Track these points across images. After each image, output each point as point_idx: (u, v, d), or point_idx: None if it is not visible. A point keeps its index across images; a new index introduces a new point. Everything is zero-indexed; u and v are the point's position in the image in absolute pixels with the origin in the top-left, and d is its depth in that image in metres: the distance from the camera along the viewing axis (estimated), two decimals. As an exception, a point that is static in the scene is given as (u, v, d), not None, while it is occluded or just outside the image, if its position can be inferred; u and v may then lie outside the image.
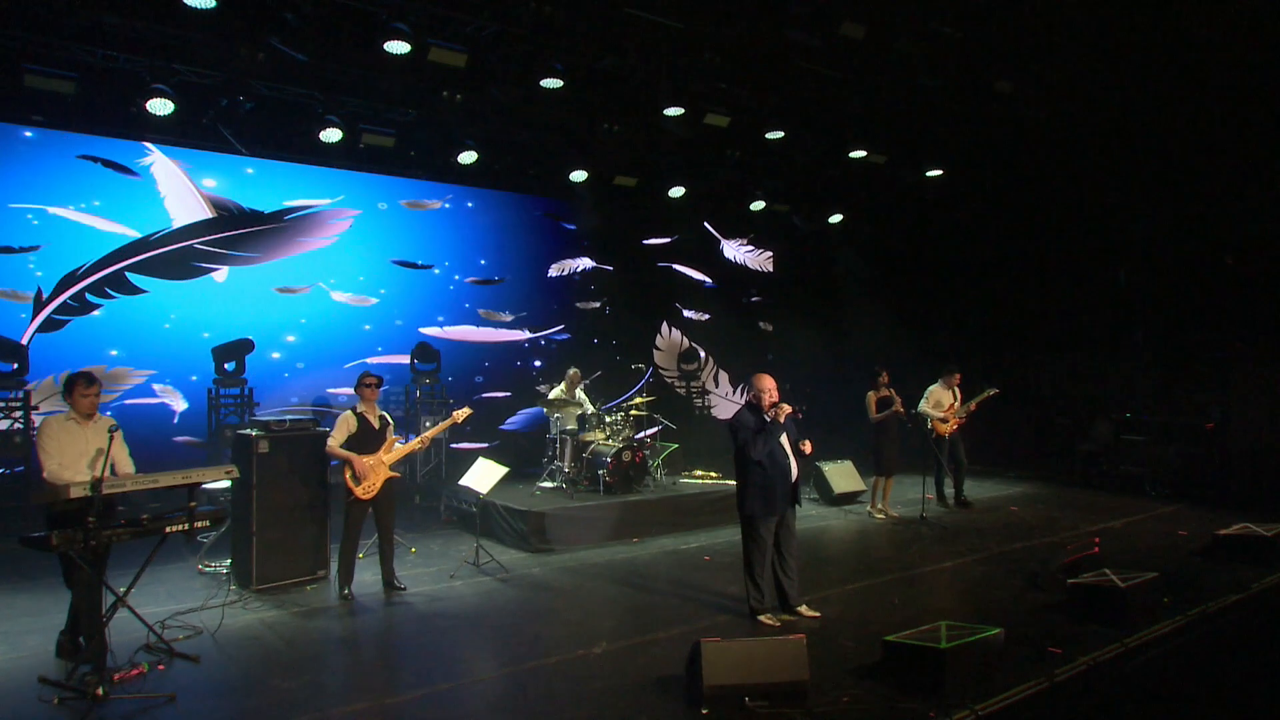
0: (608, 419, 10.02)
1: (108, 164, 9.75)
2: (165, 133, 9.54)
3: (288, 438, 7.20)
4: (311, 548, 7.30)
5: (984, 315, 15.55)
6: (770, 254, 16.10)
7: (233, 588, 7.09)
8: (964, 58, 10.41)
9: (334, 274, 11.47)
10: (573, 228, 13.46)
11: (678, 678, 4.99)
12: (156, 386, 10.03)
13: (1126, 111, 11.90)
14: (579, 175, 11.86)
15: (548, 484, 9.84)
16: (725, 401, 14.96)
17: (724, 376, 15.21)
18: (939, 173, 13.40)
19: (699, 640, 4.78)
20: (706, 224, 14.81)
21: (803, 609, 6.43)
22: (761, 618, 6.28)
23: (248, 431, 7.17)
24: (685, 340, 14.42)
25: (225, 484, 7.56)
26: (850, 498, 11.27)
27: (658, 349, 14.03)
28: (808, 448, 6.45)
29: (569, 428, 9.97)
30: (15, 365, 8.76)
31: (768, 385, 6.33)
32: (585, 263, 13.63)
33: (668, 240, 14.63)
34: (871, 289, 15.40)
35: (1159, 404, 13.49)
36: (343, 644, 5.79)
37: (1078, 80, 11.23)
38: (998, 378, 13.11)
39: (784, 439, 6.34)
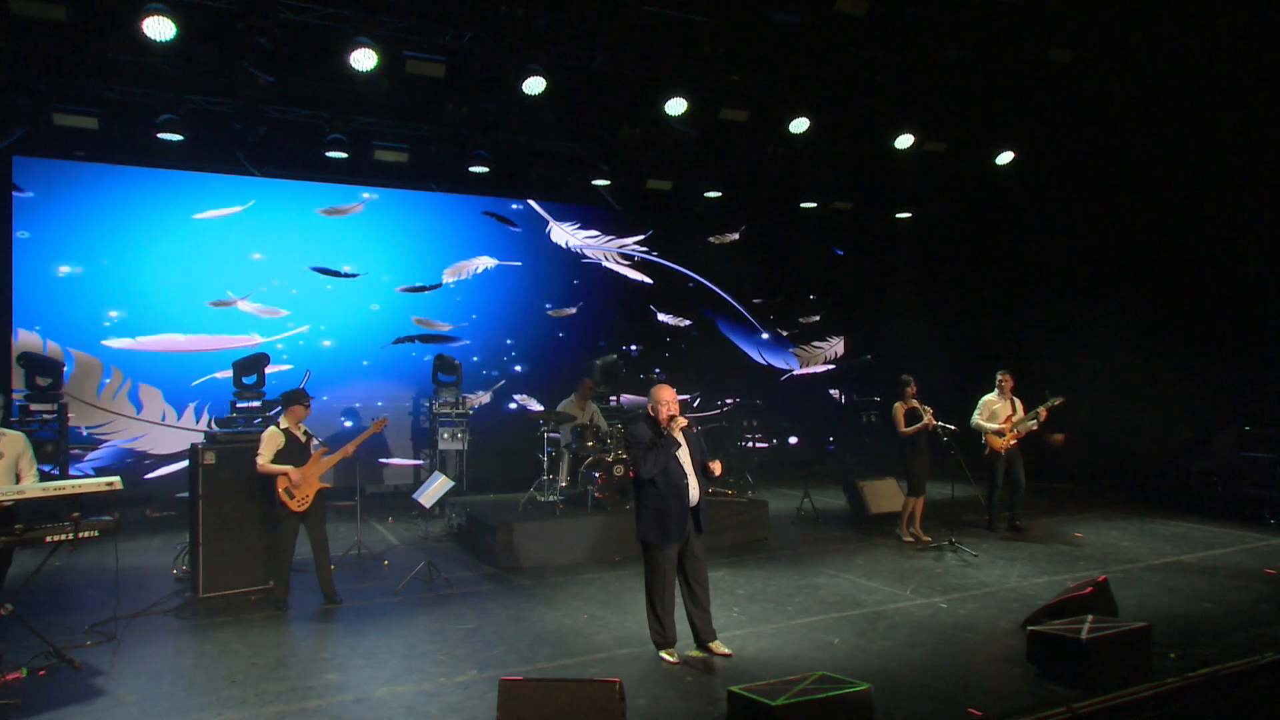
0: (604, 428, 9.62)
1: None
2: (183, 159, 10.13)
3: (237, 450, 7.34)
4: (261, 557, 7.38)
5: (1092, 316, 13.80)
6: (621, 241, 13.78)
7: (187, 594, 7.32)
8: (998, 23, 9.27)
9: (244, 284, 11.40)
10: (519, 229, 12.96)
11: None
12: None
13: (1237, 76, 10.19)
14: (601, 181, 11.57)
15: (540, 498, 9.56)
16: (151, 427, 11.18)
17: (155, 393, 11.05)
18: (1010, 157, 12.00)
19: (501, 678, 4.35)
20: (532, 202, 13.06)
21: (715, 645, 5.79)
22: (662, 653, 5.72)
23: (196, 444, 7.38)
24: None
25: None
26: (889, 519, 10.24)
27: None
28: (716, 468, 5.83)
29: (566, 440, 9.67)
30: (50, 380, 9.55)
31: (665, 396, 5.75)
32: (485, 262, 12.74)
33: (642, 238, 13.75)
34: (929, 288, 14.01)
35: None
36: (221, 658, 5.76)
37: (1161, 43, 9.77)
38: (1106, 385, 11.65)
39: (685, 458, 5.75)
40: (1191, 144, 11.67)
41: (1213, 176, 11.88)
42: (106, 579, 7.90)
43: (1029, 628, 5.55)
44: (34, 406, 9.48)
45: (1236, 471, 11.55)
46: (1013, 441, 9.66)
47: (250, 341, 11.46)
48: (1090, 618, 5.50)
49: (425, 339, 12.42)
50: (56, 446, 9.41)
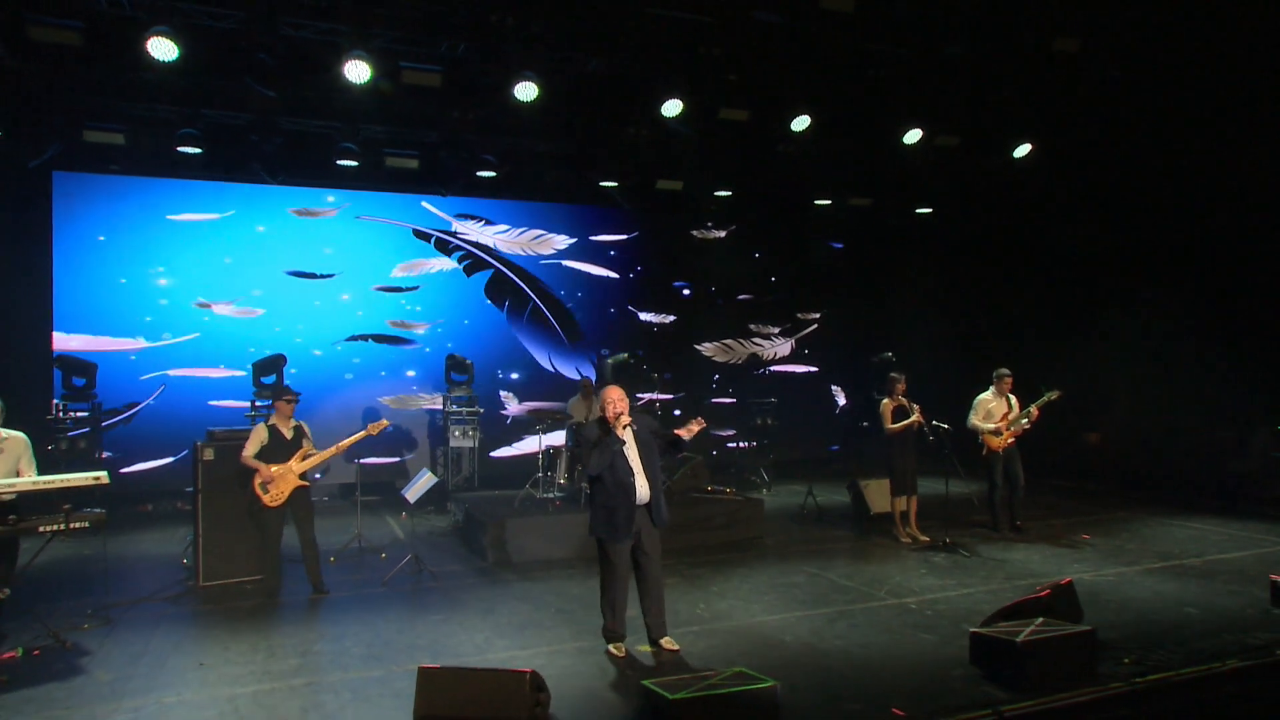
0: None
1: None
2: (204, 169, 10.66)
3: (234, 447, 7.73)
4: (258, 549, 7.77)
5: (1124, 313, 13.33)
6: (533, 235, 13.22)
7: (189, 583, 7.77)
8: (998, 16, 9.08)
9: (220, 287, 11.69)
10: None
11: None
12: None
13: (1270, 52, 9.75)
14: (608, 182, 11.71)
15: (538, 495, 9.77)
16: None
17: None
18: (1027, 149, 11.68)
19: (420, 666, 4.56)
20: (425, 203, 12.59)
21: (665, 641, 5.91)
22: (610, 647, 5.86)
23: (197, 441, 7.81)
24: None
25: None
26: (890, 518, 10.11)
27: None
28: (685, 433, 5.91)
29: (563, 439, 9.87)
30: (85, 380, 10.18)
31: (612, 396, 5.90)
32: (442, 263, 12.71)
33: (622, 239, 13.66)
34: (943, 284, 13.70)
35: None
36: (201, 643, 6.11)
37: (1177, 25, 9.42)
38: (1141, 384, 11.20)
39: (633, 456, 5.88)
40: (1225, 130, 11.18)
41: (1248, 164, 11.35)
42: (123, 566, 8.46)
43: (971, 630, 5.50)
44: (69, 406, 10.13)
45: (1271, 472, 11.07)
46: (1010, 440, 9.48)
47: (135, 345, 11.26)
48: (1039, 620, 5.43)
49: (379, 338, 12.50)
50: (89, 444, 10.03)
